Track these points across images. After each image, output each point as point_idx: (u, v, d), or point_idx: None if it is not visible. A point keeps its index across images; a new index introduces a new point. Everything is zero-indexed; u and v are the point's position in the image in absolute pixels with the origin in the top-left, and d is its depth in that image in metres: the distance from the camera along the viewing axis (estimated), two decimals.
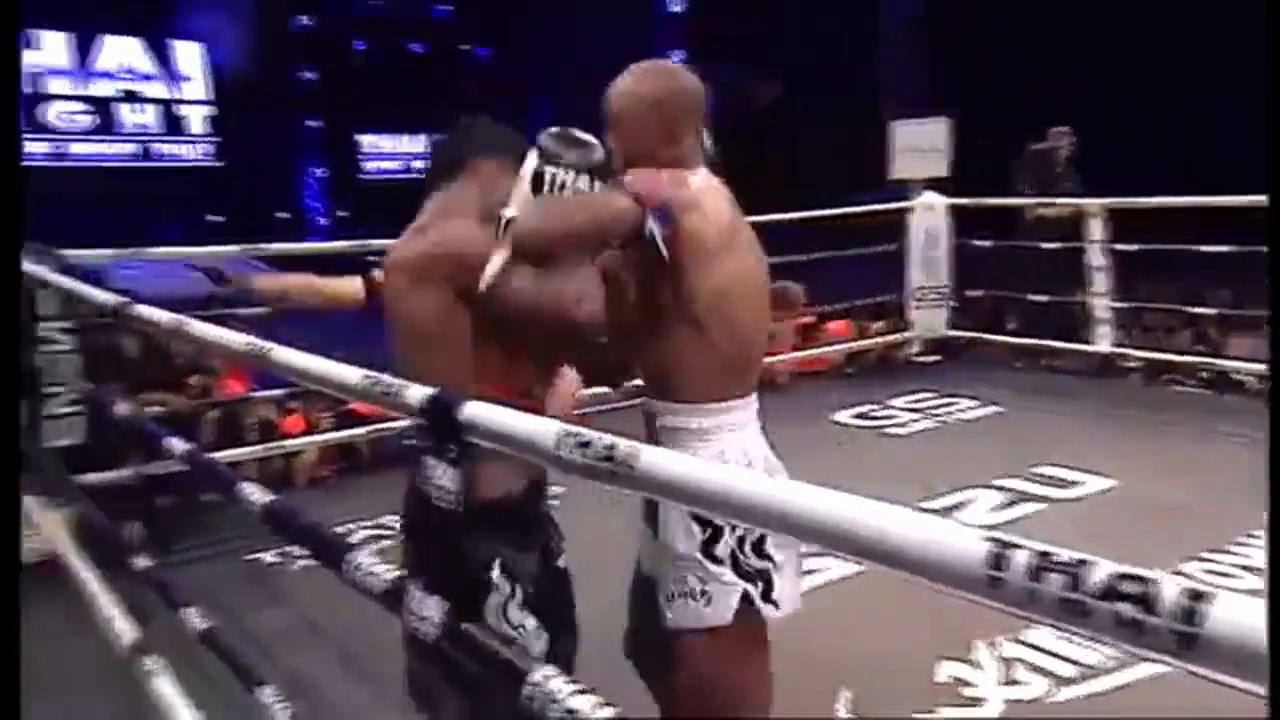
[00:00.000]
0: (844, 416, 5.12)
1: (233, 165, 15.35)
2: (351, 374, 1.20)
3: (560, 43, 17.16)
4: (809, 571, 2.97)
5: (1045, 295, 5.58)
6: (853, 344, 6.10)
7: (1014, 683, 2.51)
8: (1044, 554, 0.62)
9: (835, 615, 2.76)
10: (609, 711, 0.88)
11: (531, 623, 1.55)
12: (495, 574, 1.52)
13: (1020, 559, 0.63)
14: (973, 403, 5.17)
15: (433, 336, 1.56)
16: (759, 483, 0.73)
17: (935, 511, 3.70)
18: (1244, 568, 3.05)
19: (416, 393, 1.07)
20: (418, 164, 17.63)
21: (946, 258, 5.89)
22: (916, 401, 5.29)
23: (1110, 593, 0.59)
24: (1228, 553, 3.13)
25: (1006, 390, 5.34)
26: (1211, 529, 3.26)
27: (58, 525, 2.99)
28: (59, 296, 3.23)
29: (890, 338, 6.11)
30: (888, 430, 4.90)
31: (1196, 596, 0.56)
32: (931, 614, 2.53)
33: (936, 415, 5.06)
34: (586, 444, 0.86)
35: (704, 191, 1.67)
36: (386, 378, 1.14)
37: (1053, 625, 0.63)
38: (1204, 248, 5.12)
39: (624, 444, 0.84)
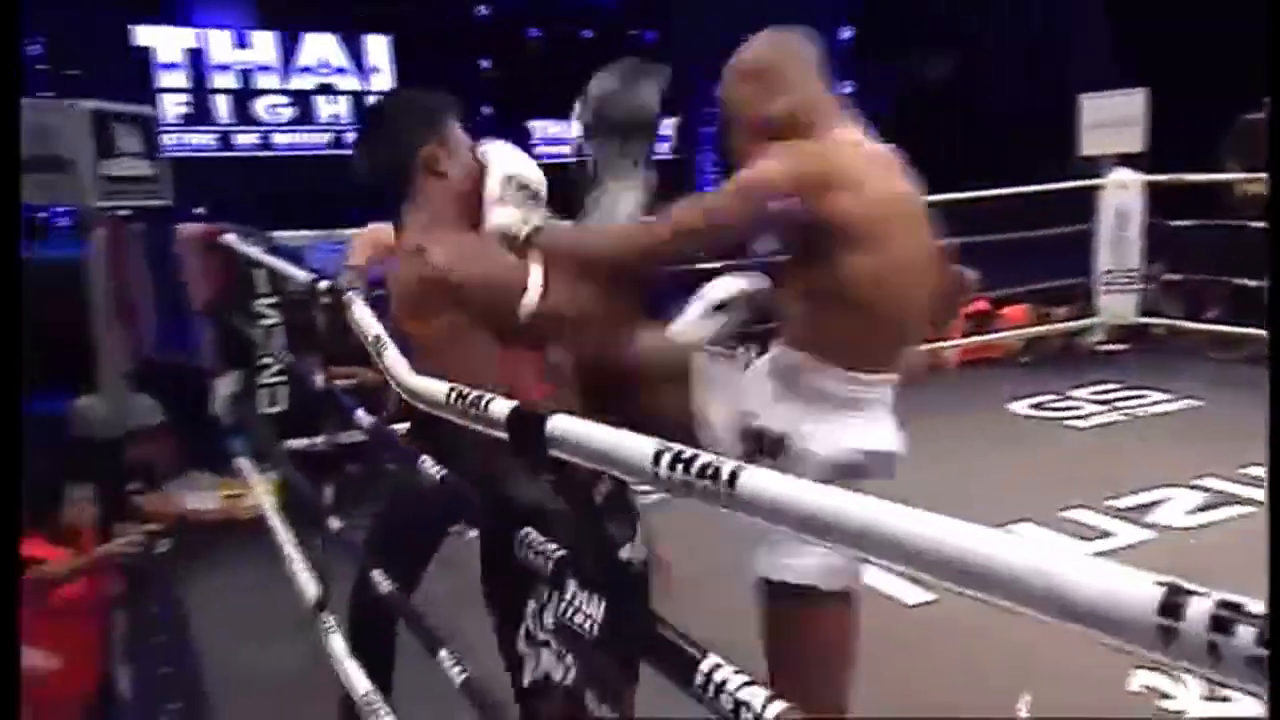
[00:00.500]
0: (1019, 407, 4.86)
1: None
2: (439, 388, 1.22)
3: (724, 24, 17.03)
4: None
5: (1253, 280, 5.09)
6: (1030, 330, 5.78)
7: (1221, 699, 2.33)
8: (1229, 604, 0.54)
9: (1023, 618, 2.62)
10: (778, 706, 0.86)
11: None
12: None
13: (1200, 607, 0.55)
14: (1165, 395, 4.80)
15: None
16: (874, 509, 0.68)
17: (1125, 511, 3.46)
18: None
19: (500, 406, 1.07)
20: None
21: (1139, 239, 5.46)
22: (1101, 393, 4.97)
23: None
24: None
25: (1204, 383, 4.93)
26: None
27: (265, 486, 3.23)
28: (267, 275, 3.47)
29: (1072, 324, 5.75)
30: (1068, 422, 4.62)
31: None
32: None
33: (1124, 408, 4.73)
34: (686, 462, 0.82)
35: (845, 160, 1.57)
36: (470, 390, 1.15)
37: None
38: None
39: (727, 464, 0.80)
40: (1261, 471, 3.56)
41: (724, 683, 0.93)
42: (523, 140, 18.32)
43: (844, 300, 1.56)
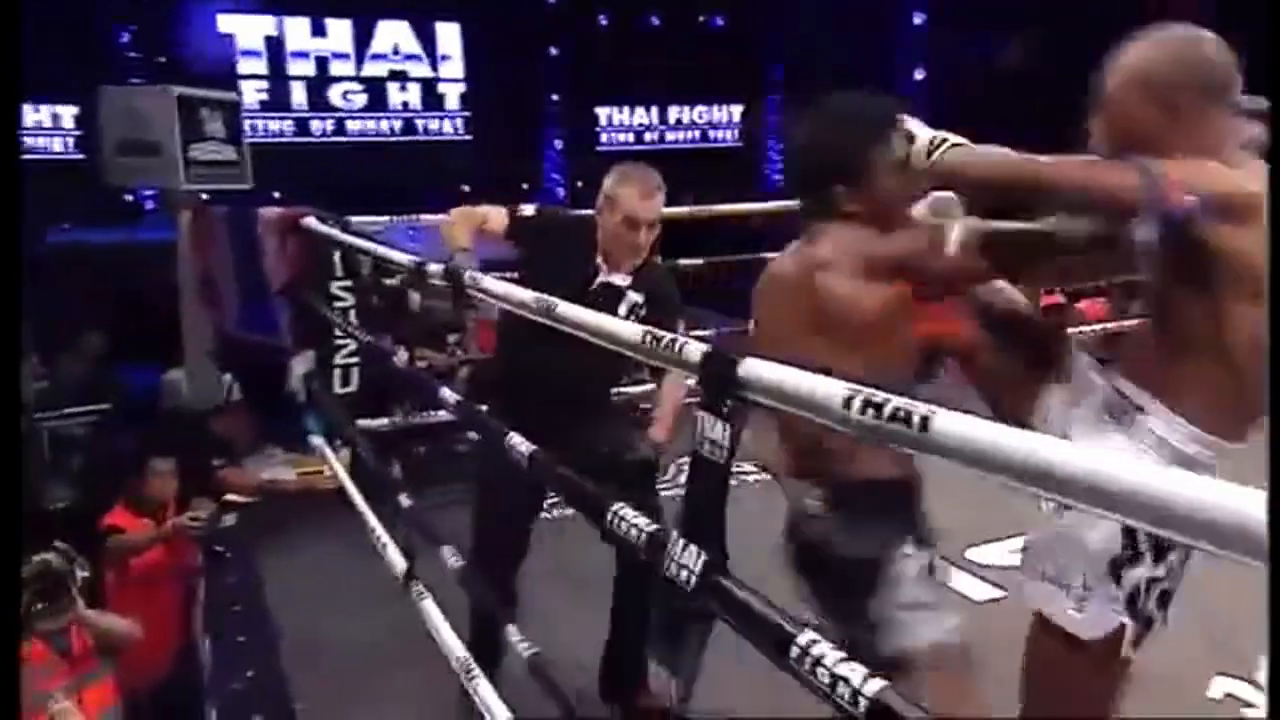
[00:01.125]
0: None
1: (482, 139, 16.24)
2: (632, 330, 1.23)
3: (792, 8, 16.81)
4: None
5: None
6: (1108, 324, 5.62)
7: None
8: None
9: None
10: (876, 683, 0.85)
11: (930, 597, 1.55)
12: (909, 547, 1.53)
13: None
14: None
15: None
16: (1080, 455, 0.67)
17: None
18: None
19: (694, 349, 1.08)
20: (649, 135, 17.99)
21: None
22: None
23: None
24: None
25: None
26: None
27: (341, 463, 3.31)
28: (341, 258, 3.54)
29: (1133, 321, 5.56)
30: None
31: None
32: (1203, 626, 2.29)
33: None
34: (878, 406, 0.82)
35: (1253, 193, 1.33)
36: (665, 333, 1.16)
37: None
38: None
39: (920, 407, 0.80)
40: None
41: (821, 657, 0.93)
42: (590, 127, 18.37)
43: (1222, 352, 1.38)
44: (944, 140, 1.49)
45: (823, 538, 1.53)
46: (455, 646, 2.03)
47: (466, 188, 13.16)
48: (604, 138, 17.90)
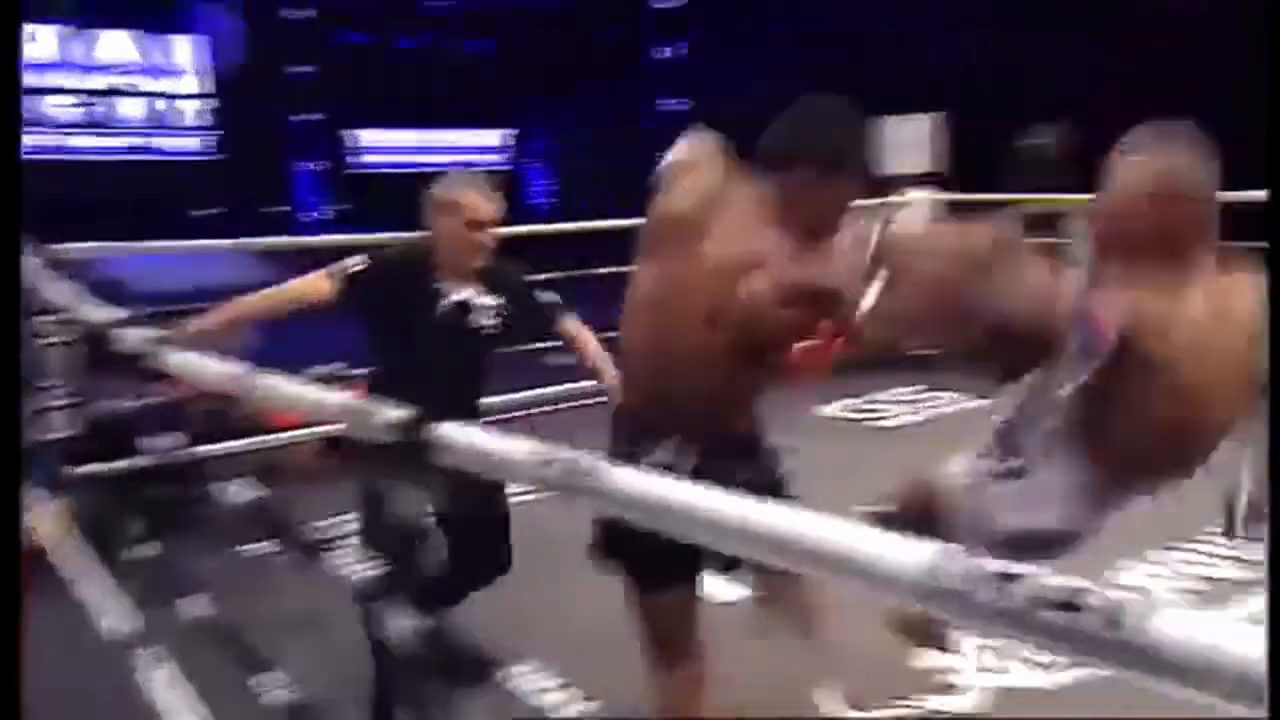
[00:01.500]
0: (831, 410, 5.14)
1: (226, 159, 15.29)
2: (333, 398, 1.21)
3: (553, 38, 17.08)
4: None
5: None
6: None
7: (994, 670, 2.54)
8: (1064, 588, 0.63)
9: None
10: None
11: None
12: None
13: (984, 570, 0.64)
14: (956, 396, 5.19)
15: None
16: (714, 500, 0.75)
17: None
18: (1222, 555, 3.10)
19: (390, 413, 1.07)
20: (415, 158, 17.61)
21: None
22: (905, 395, 5.32)
23: (1041, 601, 0.60)
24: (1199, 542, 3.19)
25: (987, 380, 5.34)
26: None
27: (53, 515, 2.99)
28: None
29: None
30: (875, 423, 4.93)
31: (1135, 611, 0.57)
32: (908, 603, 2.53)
33: (923, 408, 5.09)
34: (550, 462, 0.87)
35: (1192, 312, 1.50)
36: (363, 402, 1.15)
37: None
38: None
39: (585, 458, 0.85)
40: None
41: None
42: (346, 149, 17.74)
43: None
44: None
45: None
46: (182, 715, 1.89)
47: (210, 211, 12.33)
48: (361, 160, 17.37)
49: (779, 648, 2.64)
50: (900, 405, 5.17)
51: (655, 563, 1.66)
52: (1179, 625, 0.57)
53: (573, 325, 2.56)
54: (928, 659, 2.55)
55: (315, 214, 16.34)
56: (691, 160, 1.72)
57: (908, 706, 2.40)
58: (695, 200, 1.64)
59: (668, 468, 1.59)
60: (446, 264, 2.34)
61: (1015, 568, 0.64)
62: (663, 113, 17.08)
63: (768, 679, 2.49)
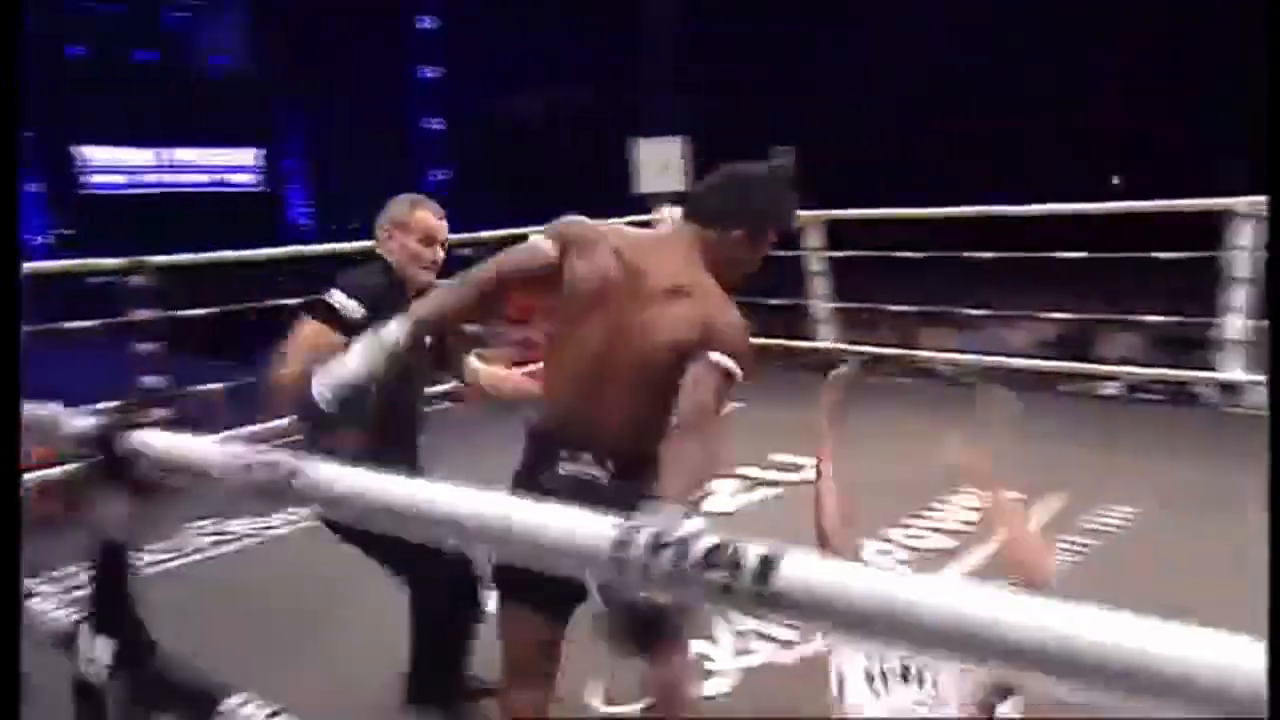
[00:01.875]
0: None
1: None
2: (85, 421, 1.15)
3: (311, 52, 16.42)
4: None
5: (783, 299, 5.99)
6: None
7: (747, 652, 2.68)
8: (659, 533, 0.71)
9: None
10: None
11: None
12: None
13: (642, 539, 0.71)
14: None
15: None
16: (421, 490, 0.78)
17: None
18: (934, 529, 3.47)
19: (84, 422, 1.03)
20: (150, 178, 16.33)
21: None
22: None
23: (706, 563, 0.68)
24: (922, 517, 3.55)
25: (746, 387, 5.66)
26: (911, 499, 3.65)
27: None
28: None
29: None
30: None
31: (768, 560, 0.66)
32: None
33: None
34: (269, 465, 0.88)
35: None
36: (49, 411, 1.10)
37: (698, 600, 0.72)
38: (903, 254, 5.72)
39: (288, 457, 0.87)
40: (785, 458, 4.18)
41: (250, 716, 0.94)
42: (74, 169, 16.13)
43: None
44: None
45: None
46: None
47: None
48: (93, 180, 15.89)
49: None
50: None
51: (517, 584, 1.76)
52: (822, 573, 0.65)
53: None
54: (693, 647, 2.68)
55: (40, 238, 14.76)
56: (591, 229, 1.84)
57: None
58: (616, 261, 1.77)
59: (587, 476, 1.76)
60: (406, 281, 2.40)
61: (676, 533, 0.71)
62: (425, 130, 16.82)
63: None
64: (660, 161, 6.36)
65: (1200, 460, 4.03)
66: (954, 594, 0.59)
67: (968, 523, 3.42)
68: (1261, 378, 4.80)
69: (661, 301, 1.73)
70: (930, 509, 3.62)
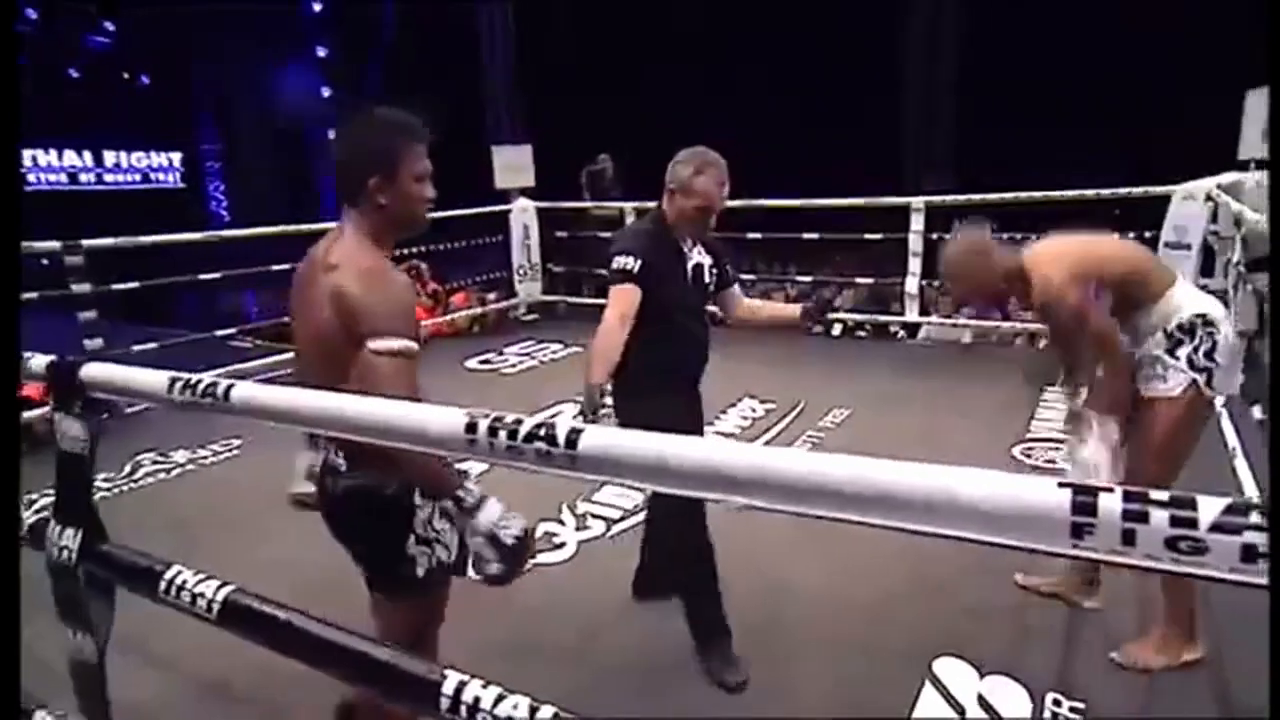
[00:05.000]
0: (472, 364, 5.14)
1: None
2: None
3: (218, 74, 14.80)
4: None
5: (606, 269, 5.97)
6: (474, 309, 6.12)
7: (585, 529, 2.72)
8: (516, 420, 0.70)
9: None
10: (226, 590, 0.85)
11: (447, 527, 1.35)
12: (417, 498, 1.31)
13: (484, 425, 0.70)
14: (559, 346, 5.46)
15: None
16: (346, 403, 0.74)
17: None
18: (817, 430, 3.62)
19: (39, 360, 0.94)
20: (84, 177, 14.41)
21: (537, 245, 6.11)
22: (524, 349, 5.47)
23: (532, 436, 0.68)
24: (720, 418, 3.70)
25: (582, 335, 5.66)
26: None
27: None
28: None
29: (502, 304, 6.22)
30: (503, 370, 5.02)
31: (575, 431, 0.67)
32: (531, 484, 2.64)
33: (537, 356, 5.28)
34: (194, 385, 0.84)
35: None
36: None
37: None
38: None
39: (224, 383, 0.82)
40: None
41: (184, 583, 0.88)
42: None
43: None
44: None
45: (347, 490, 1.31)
46: None
47: None
48: (31, 178, 13.85)
49: None
50: (520, 356, 5.32)
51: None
52: (613, 438, 0.64)
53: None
54: (544, 528, 2.68)
55: None
56: None
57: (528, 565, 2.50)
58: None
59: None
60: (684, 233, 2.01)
61: (507, 418, 0.71)
62: (323, 138, 15.58)
63: None
64: (514, 163, 6.19)
65: (890, 375, 4.40)
66: (704, 447, 0.61)
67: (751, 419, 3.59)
68: (927, 320, 5.26)
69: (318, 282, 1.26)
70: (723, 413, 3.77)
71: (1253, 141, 3.81)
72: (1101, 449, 1.75)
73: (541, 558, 2.51)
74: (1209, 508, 0.42)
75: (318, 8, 15.04)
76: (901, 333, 5.69)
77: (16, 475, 0.99)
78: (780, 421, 3.75)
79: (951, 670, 1.89)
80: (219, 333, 4.84)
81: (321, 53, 15.51)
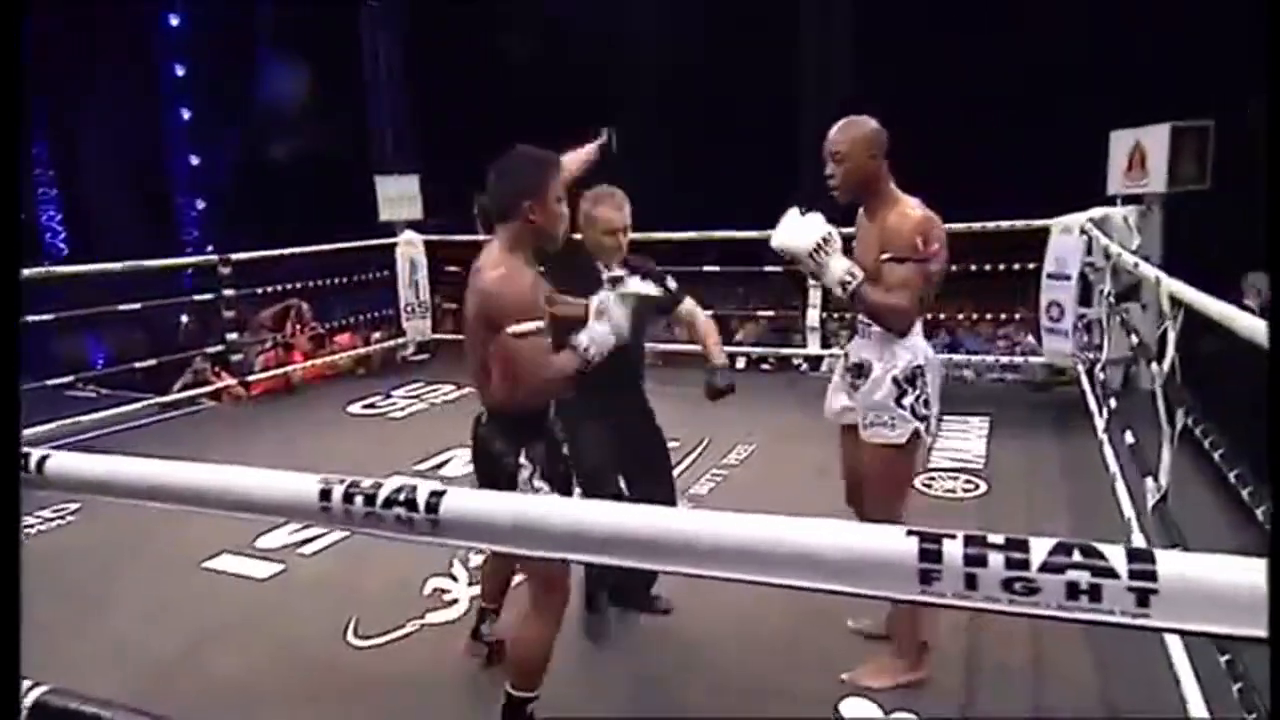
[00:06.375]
0: (355, 408, 4.95)
1: None
2: None
3: (55, 91, 13.83)
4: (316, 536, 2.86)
5: None
6: (358, 350, 5.92)
7: (477, 582, 2.66)
8: (374, 485, 0.68)
9: (346, 555, 2.69)
10: None
11: (546, 487, 1.77)
12: (521, 459, 1.77)
13: (339, 491, 0.69)
14: (451, 387, 5.34)
15: None
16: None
17: (426, 467, 3.80)
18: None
19: None
20: None
21: (425, 280, 5.99)
22: (412, 390, 5.32)
23: (391, 502, 0.67)
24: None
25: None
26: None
27: None
28: None
29: (389, 343, 6.04)
30: (390, 414, 4.86)
31: (436, 493, 0.66)
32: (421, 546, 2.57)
33: (427, 398, 5.14)
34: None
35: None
36: None
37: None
38: None
39: (35, 452, 0.75)
40: None
41: None
42: None
43: None
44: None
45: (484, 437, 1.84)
46: None
47: None
48: None
49: (300, 602, 2.50)
50: (408, 399, 5.17)
51: None
52: (476, 501, 0.66)
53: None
54: (432, 584, 2.61)
55: None
56: None
57: (416, 624, 2.42)
58: None
59: None
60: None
61: (364, 484, 0.69)
62: (182, 164, 14.82)
63: (290, 632, 2.35)
64: (399, 194, 6.08)
65: (795, 407, 4.55)
66: (572, 509, 0.62)
67: None
68: (829, 351, 5.51)
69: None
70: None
71: (1117, 178, 4.40)
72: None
73: (430, 617, 2.43)
74: (1039, 548, 0.46)
75: (175, 21, 14.39)
76: (805, 365, 5.92)
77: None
78: (686, 459, 3.80)
79: (857, 710, 1.94)
80: (51, 382, 4.42)
81: (180, 71, 14.81)
